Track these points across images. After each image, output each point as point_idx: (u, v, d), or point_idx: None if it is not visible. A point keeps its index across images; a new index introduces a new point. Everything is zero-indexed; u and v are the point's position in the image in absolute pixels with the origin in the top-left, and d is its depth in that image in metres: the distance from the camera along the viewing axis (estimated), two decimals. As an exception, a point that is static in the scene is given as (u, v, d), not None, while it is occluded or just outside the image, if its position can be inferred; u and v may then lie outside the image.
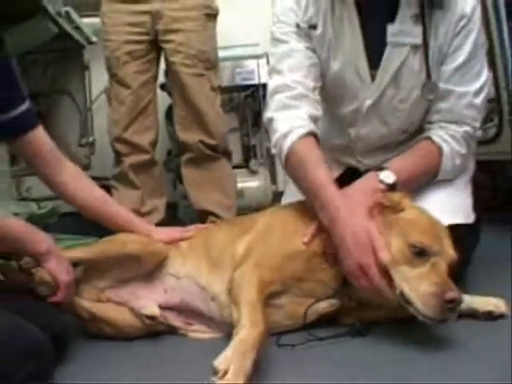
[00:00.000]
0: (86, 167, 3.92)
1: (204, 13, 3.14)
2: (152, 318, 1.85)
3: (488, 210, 2.88)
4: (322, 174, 1.87)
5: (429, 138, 2.05)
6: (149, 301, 1.88)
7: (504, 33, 2.76)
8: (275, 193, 4.12)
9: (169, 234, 2.06)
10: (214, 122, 3.14)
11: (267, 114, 2.10)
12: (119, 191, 3.14)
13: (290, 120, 1.99)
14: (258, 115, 4.25)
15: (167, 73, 3.30)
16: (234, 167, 3.78)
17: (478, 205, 2.37)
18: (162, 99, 3.57)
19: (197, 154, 3.16)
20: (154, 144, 3.22)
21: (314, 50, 2.08)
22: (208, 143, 3.12)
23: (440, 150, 2.01)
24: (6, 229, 1.63)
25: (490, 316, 1.75)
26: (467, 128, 2.03)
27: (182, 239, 2.04)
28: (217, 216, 3.10)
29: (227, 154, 3.24)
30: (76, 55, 4.06)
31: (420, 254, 1.60)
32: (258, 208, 3.81)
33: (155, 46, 3.13)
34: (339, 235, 1.73)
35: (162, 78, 3.37)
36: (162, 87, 3.50)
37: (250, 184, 4.01)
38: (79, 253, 1.92)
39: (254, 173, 4.03)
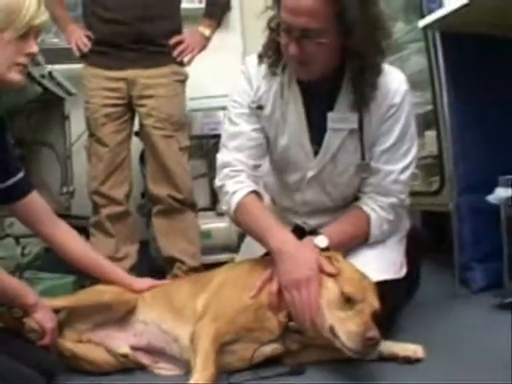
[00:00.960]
0: (66, 209, 4.11)
1: (174, 79, 3.36)
2: (124, 356, 2.12)
3: (437, 253, 3.22)
4: (269, 219, 2.23)
5: (359, 207, 2.33)
6: (121, 342, 2.15)
7: (444, 97, 3.03)
8: (240, 233, 4.26)
9: (147, 284, 2.34)
10: (181, 178, 3.35)
11: (217, 183, 2.41)
12: (96, 238, 3.35)
13: (237, 183, 2.31)
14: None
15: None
16: (203, 209, 3.96)
17: (424, 251, 2.70)
18: (137, 145, 3.73)
19: (166, 206, 3.37)
20: (128, 196, 3.42)
21: (260, 131, 2.38)
22: (176, 197, 3.34)
23: (368, 217, 2.29)
24: (4, 284, 1.90)
25: (409, 360, 2.03)
26: (393, 199, 2.30)
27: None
28: (183, 262, 3.33)
29: (193, 206, 3.46)
30: (57, 105, 4.22)
31: (348, 300, 1.91)
32: (224, 247, 4.05)
33: (130, 108, 3.34)
34: (289, 256, 2.07)
35: (136, 127, 3.52)
36: (137, 134, 3.66)
37: (217, 225, 4.13)
38: (63, 302, 2.19)
39: (220, 215, 4.13)
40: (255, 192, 2.33)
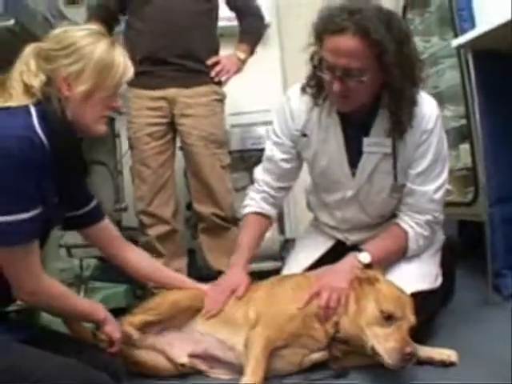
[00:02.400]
0: (118, 223, 4.22)
1: (213, 98, 3.49)
2: (182, 365, 2.29)
3: (472, 260, 3.33)
4: (246, 242, 2.67)
5: (398, 224, 2.50)
6: (180, 350, 2.31)
7: (476, 113, 3.12)
8: (282, 242, 4.41)
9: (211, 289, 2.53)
10: (224, 196, 3.47)
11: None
12: None
13: (250, 199, 2.77)
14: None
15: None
16: None
17: (459, 260, 2.86)
18: (181, 158, 3.74)
19: (210, 224, 3.54)
20: (175, 214, 3.53)
21: (291, 160, 2.67)
22: (219, 215, 3.45)
23: (406, 234, 2.46)
24: (77, 306, 2.06)
25: (443, 364, 2.20)
26: (429, 217, 2.47)
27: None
28: None
29: (235, 222, 3.53)
30: (108, 124, 4.22)
31: (388, 318, 2.06)
32: (267, 256, 4.09)
33: (172, 127, 3.48)
34: (228, 273, 2.61)
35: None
36: (181, 148, 3.68)
37: None
38: (149, 317, 2.35)
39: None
40: (259, 213, 2.73)
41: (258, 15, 3.73)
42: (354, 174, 2.52)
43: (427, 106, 2.41)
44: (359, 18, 2.14)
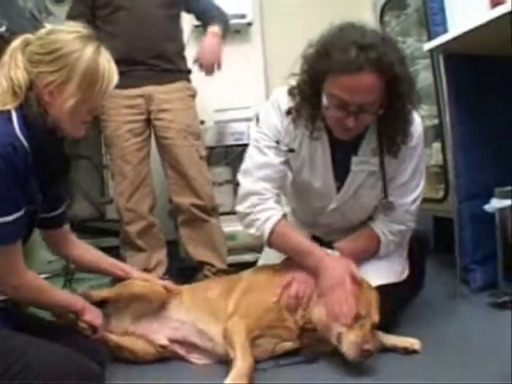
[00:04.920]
0: (102, 215, 4.36)
1: (186, 94, 3.63)
2: (162, 347, 2.42)
3: (444, 254, 3.48)
4: (304, 242, 2.52)
5: (372, 229, 2.60)
6: (160, 334, 2.44)
7: (447, 114, 3.22)
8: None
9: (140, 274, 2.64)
10: (202, 186, 3.60)
11: (241, 210, 2.59)
12: (129, 254, 3.60)
13: (267, 210, 2.52)
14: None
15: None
16: (228, 213, 4.07)
17: (429, 254, 2.96)
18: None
19: (189, 215, 3.61)
20: (151, 209, 3.65)
21: (285, 163, 2.56)
22: (198, 204, 3.58)
23: (379, 238, 2.57)
24: (56, 299, 2.16)
25: (406, 351, 2.34)
26: (403, 227, 2.57)
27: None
28: (212, 265, 3.55)
29: (215, 211, 3.65)
30: (93, 120, 4.34)
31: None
32: (249, 248, 4.10)
33: (148, 124, 3.58)
34: (325, 269, 2.38)
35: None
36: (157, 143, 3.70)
37: (241, 228, 4.26)
38: (105, 293, 2.49)
39: (244, 218, 4.34)
40: (284, 216, 2.57)
41: (220, 14, 3.77)
42: (339, 189, 2.57)
43: (412, 123, 2.44)
44: (375, 56, 2.14)
